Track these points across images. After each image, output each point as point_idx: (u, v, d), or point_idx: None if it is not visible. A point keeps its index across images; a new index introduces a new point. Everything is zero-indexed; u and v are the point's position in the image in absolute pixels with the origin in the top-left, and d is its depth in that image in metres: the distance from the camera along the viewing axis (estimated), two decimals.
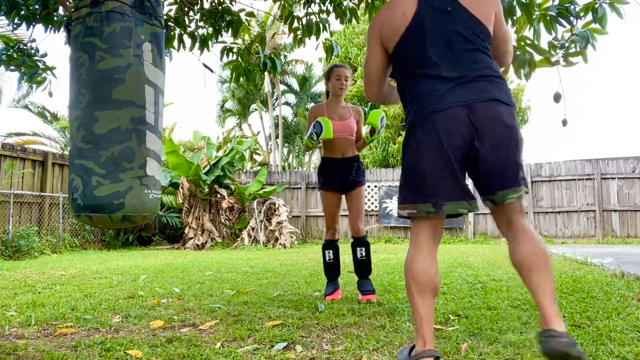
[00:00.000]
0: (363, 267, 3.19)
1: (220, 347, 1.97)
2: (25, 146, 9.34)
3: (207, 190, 10.17)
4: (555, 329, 1.38)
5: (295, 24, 3.38)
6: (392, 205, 11.39)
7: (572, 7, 2.42)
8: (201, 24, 3.38)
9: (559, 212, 10.93)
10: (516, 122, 1.55)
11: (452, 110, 1.50)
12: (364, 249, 3.19)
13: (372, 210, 11.70)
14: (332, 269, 3.28)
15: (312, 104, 21.25)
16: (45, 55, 3.25)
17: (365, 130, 3.19)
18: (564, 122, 2.58)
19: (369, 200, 11.64)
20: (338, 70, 3.19)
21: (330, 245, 3.29)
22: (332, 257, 3.28)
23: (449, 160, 1.50)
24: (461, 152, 1.51)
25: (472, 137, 1.50)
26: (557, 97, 2.52)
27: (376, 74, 1.79)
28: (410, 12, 1.62)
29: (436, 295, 1.62)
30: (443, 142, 1.49)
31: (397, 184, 11.37)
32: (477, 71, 1.55)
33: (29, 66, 3.17)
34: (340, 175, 3.20)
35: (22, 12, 2.85)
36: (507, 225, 1.60)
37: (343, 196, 3.31)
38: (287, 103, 21.09)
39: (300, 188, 12.10)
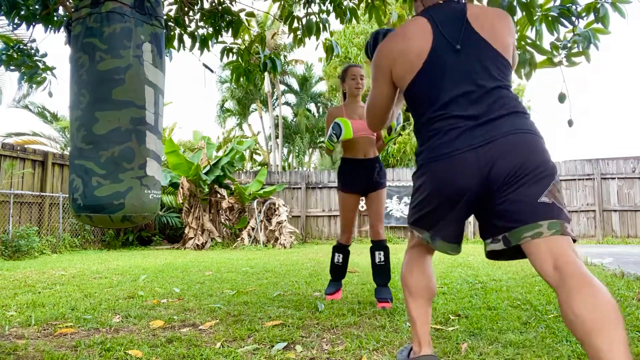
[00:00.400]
0: (382, 272, 3.06)
1: (220, 347, 1.97)
2: (25, 146, 9.33)
3: (207, 190, 10.17)
4: None
5: (295, 24, 3.38)
6: (392, 205, 11.39)
7: (574, 7, 2.42)
8: (201, 24, 3.38)
9: None
10: (547, 152, 1.40)
11: (466, 155, 1.37)
12: (382, 253, 3.08)
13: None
14: (338, 271, 3.24)
15: (314, 104, 21.30)
16: (45, 55, 3.25)
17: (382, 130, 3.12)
18: (570, 123, 2.56)
19: None
20: (353, 70, 3.15)
21: (342, 249, 3.24)
22: (341, 261, 3.23)
23: (454, 206, 1.44)
24: (470, 197, 1.41)
25: (485, 179, 1.36)
26: (561, 98, 2.51)
27: (385, 108, 1.67)
28: (427, 47, 1.47)
29: (431, 300, 1.65)
30: (453, 188, 1.41)
31: (397, 184, 11.44)
32: (502, 109, 1.40)
33: (29, 66, 3.17)
34: (361, 177, 3.11)
35: (22, 12, 2.84)
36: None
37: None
38: (287, 103, 21.10)
39: (300, 188, 12.10)
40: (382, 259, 3.08)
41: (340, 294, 3.23)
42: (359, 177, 3.12)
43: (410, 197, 1.69)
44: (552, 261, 1.25)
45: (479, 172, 1.36)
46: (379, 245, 3.11)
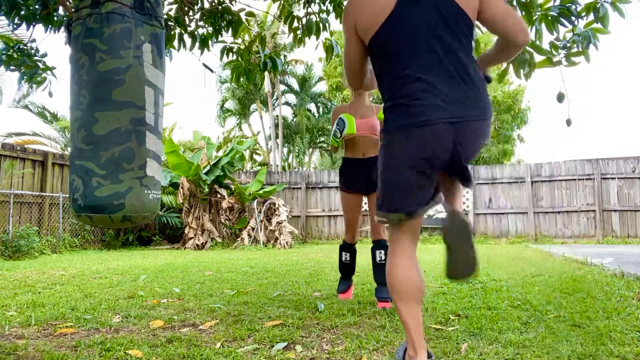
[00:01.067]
0: (382, 271, 3.07)
1: (220, 347, 1.97)
2: (25, 146, 9.33)
3: (207, 190, 10.17)
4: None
5: (295, 24, 3.38)
6: None
7: (574, 6, 2.42)
8: (201, 23, 3.38)
9: (559, 212, 10.93)
10: (489, 132, 1.54)
11: (437, 127, 1.42)
12: (383, 252, 3.10)
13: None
14: (347, 268, 3.30)
15: (314, 104, 21.27)
16: (45, 55, 3.25)
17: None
18: (568, 122, 2.56)
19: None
20: None
21: (348, 248, 3.30)
22: (348, 259, 3.29)
23: (427, 174, 1.48)
24: (441, 163, 1.48)
25: (452, 151, 1.46)
26: (560, 97, 2.51)
27: (357, 64, 1.67)
28: (391, 1, 1.48)
29: (422, 301, 1.58)
30: (423, 156, 1.45)
31: None
32: (460, 80, 1.45)
33: (29, 66, 3.17)
34: (362, 176, 3.12)
35: (22, 12, 2.84)
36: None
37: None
38: (287, 103, 21.10)
39: (300, 188, 12.10)
40: (383, 257, 3.10)
41: (351, 293, 3.28)
42: (360, 176, 3.13)
43: None
44: None
45: (453, 142, 1.45)
46: (379, 244, 3.13)
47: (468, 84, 1.46)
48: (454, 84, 1.44)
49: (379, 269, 3.09)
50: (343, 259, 3.30)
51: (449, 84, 1.44)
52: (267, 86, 18.69)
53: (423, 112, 1.42)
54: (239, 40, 3.51)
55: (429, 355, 1.52)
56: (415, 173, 1.48)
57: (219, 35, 3.36)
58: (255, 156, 22.41)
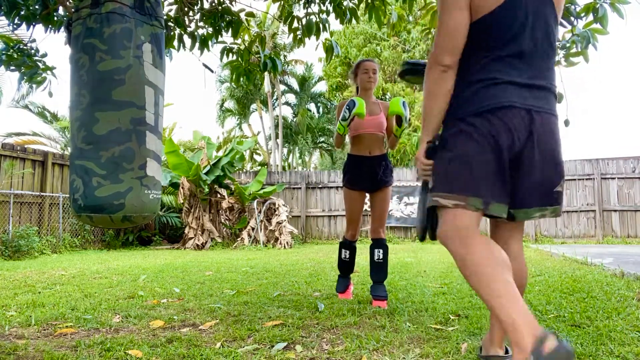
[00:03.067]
0: (379, 269, 3.08)
1: (220, 347, 1.97)
2: (25, 146, 9.33)
3: (207, 190, 10.17)
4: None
5: (295, 24, 3.38)
6: (393, 205, 11.38)
7: (573, 7, 2.43)
8: (201, 24, 3.38)
9: None
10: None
11: (520, 111, 1.38)
12: (382, 250, 3.09)
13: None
14: (346, 266, 3.26)
15: (314, 104, 21.27)
16: (45, 55, 3.25)
17: (392, 123, 3.05)
18: (566, 123, 2.57)
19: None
20: (365, 64, 3.10)
21: (349, 246, 3.26)
22: (348, 257, 3.25)
23: (503, 160, 1.39)
24: (512, 155, 1.40)
25: (524, 145, 1.39)
26: (559, 98, 2.52)
27: (462, 38, 1.43)
28: None
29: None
30: (504, 141, 1.37)
31: (397, 184, 11.42)
32: (549, 79, 1.46)
33: (29, 66, 3.17)
34: (367, 174, 3.08)
35: (22, 12, 2.84)
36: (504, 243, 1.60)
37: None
38: (287, 103, 21.11)
39: (300, 188, 12.10)
40: (381, 256, 3.09)
41: (350, 293, 3.26)
42: (364, 174, 3.09)
43: (436, 176, 1.48)
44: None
45: (530, 131, 1.39)
46: (378, 243, 3.12)
47: (552, 90, 1.48)
48: (543, 75, 1.45)
49: (376, 268, 3.09)
50: (343, 256, 3.27)
51: (539, 75, 1.44)
52: (267, 86, 18.70)
53: (513, 95, 1.39)
54: (239, 41, 3.51)
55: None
56: (496, 160, 1.39)
57: (219, 36, 3.36)
58: (255, 156, 22.42)
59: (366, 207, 11.59)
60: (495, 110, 1.38)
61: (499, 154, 1.38)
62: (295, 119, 21.06)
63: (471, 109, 1.41)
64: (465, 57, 1.46)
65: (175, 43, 3.39)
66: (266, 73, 3.43)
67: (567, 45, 2.48)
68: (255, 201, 10.50)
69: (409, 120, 2.79)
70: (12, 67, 3.15)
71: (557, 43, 1.61)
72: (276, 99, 19.74)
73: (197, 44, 3.37)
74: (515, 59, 1.42)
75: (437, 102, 1.47)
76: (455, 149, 1.42)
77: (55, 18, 3.00)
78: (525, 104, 1.39)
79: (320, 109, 21.59)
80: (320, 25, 3.34)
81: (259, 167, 18.16)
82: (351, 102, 2.82)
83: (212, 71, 3.54)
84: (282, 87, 20.22)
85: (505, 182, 1.41)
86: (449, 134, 1.46)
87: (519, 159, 1.41)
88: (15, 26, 2.93)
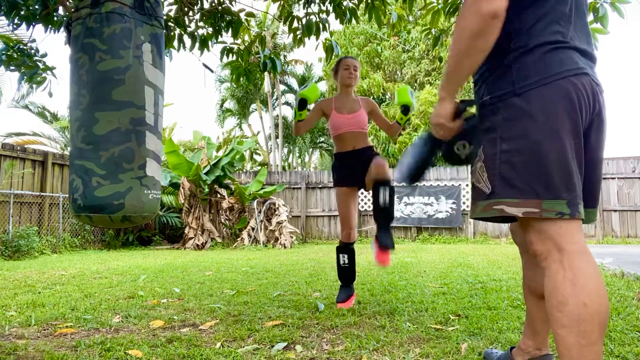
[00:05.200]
0: (385, 212, 2.78)
1: (220, 347, 1.97)
2: (25, 146, 9.33)
3: (207, 190, 10.17)
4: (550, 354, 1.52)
5: (295, 24, 3.38)
6: None
7: None
8: (201, 24, 3.38)
9: None
10: None
11: (592, 82, 1.14)
12: (387, 189, 2.76)
13: (371, 210, 11.68)
14: (347, 273, 3.03)
15: (314, 104, 21.27)
16: (45, 55, 3.25)
17: (397, 111, 3.02)
18: None
19: (368, 200, 11.63)
20: (346, 61, 3.05)
21: (345, 249, 3.03)
22: (346, 262, 3.02)
23: (579, 142, 1.12)
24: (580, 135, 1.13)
25: (590, 125, 1.15)
26: None
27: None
28: None
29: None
30: (576, 117, 1.10)
31: (397, 184, 11.39)
32: (592, 47, 1.25)
33: (29, 66, 3.17)
34: (355, 167, 2.94)
35: (22, 12, 2.85)
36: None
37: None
38: (287, 103, 21.11)
39: (300, 188, 12.10)
40: (387, 199, 2.78)
41: (352, 301, 2.95)
42: (353, 168, 2.96)
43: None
44: None
45: (594, 107, 1.17)
46: (382, 182, 2.82)
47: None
48: (589, 41, 1.26)
49: (381, 211, 2.79)
50: (341, 262, 3.02)
51: (588, 40, 1.25)
52: (267, 86, 18.70)
53: (574, 62, 1.16)
54: (239, 41, 3.51)
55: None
56: (571, 142, 1.12)
57: (219, 36, 3.37)
58: (255, 156, 22.42)
59: (366, 207, 11.61)
60: (568, 78, 1.12)
61: (575, 136, 1.11)
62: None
63: (532, 81, 1.13)
64: (510, 16, 1.15)
65: (175, 43, 3.39)
66: (266, 73, 3.43)
67: None
68: (255, 201, 10.50)
69: (415, 107, 2.75)
70: (12, 67, 3.16)
71: None
72: (276, 99, 19.74)
73: (197, 44, 3.37)
74: (566, 20, 1.19)
75: (473, 59, 1.15)
76: (515, 135, 1.14)
77: (55, 18, 3.00)
78: (592, 75, 1.16)
79: None
80: (320, 25, 3.34)
81: (259, 167, 18.16)
82: (305, 86, 2.82)
83: (212, 71, 3.55)
84: (282, 87, 20.22)
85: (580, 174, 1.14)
86: (503, 118, 1.16)
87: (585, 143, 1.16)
88: (15, 26, 2.93)
